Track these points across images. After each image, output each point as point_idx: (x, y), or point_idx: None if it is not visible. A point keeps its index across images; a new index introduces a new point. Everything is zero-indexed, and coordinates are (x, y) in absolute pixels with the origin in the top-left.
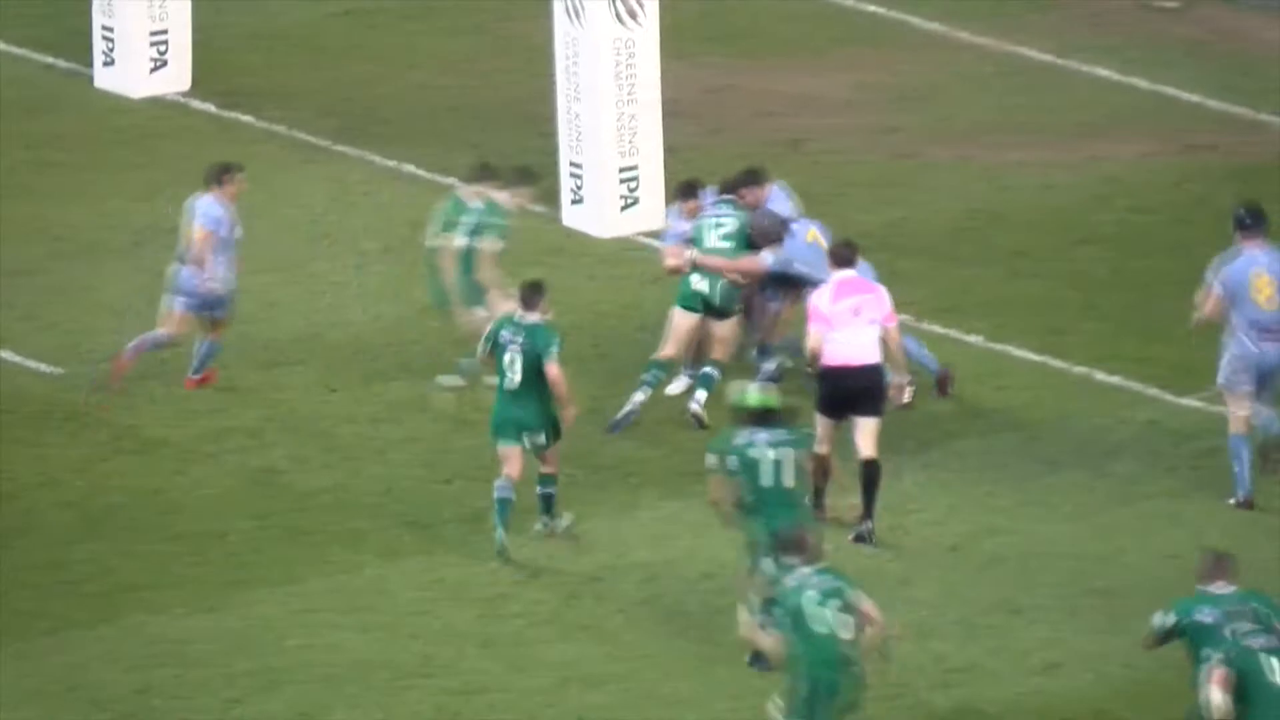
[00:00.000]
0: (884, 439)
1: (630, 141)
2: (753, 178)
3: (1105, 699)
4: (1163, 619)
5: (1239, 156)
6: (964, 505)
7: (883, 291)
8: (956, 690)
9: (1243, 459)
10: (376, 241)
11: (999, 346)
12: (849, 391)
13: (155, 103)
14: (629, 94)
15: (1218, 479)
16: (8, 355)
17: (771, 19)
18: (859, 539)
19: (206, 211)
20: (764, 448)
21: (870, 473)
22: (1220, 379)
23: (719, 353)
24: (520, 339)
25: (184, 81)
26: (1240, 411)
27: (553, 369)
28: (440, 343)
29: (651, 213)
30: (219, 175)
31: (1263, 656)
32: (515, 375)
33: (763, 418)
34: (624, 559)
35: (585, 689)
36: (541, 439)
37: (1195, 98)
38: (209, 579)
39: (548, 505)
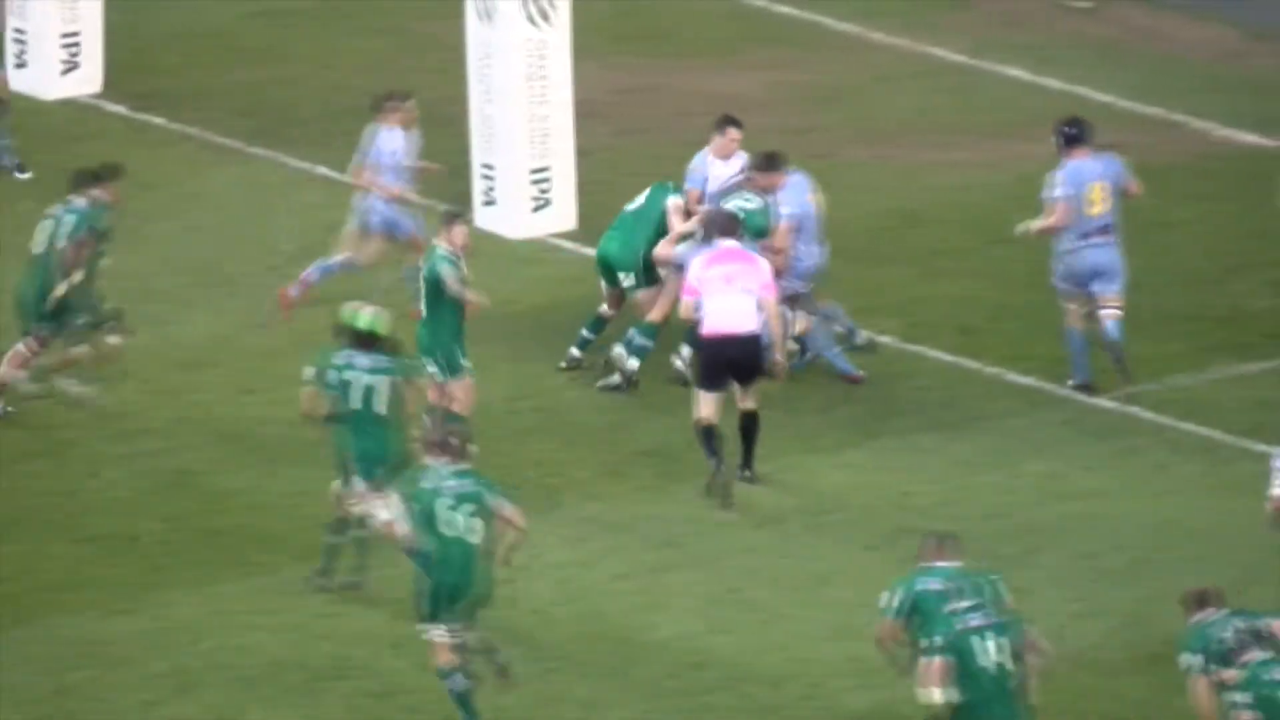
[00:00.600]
0: (801, 440)
1: (542, 143)
2: (769, 163)
3: None
4: (889, 599)
5: (1153, 156)
6: (881, 505)
7: (762, 262)
8: (874, 690)
9: (1077, 346)
10: (292, 243)
11: (914, 347)
12: (727, 360)
13: (68, 105)
14: (541, 95)
15: (1135, 479)
16: None
17: (684, 19)
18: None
19: None
20: (360, 371)
21: (748, 423)
22: (1056, 280)
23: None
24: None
25: (96, 83)
26: (1073, 306)
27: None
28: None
29: (564, 214)
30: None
31: (975, 639)
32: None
33: (366, 341)
34: (539, 560)
35: (500, 690)
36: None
37: (1109, 98)
38: (124, 581)
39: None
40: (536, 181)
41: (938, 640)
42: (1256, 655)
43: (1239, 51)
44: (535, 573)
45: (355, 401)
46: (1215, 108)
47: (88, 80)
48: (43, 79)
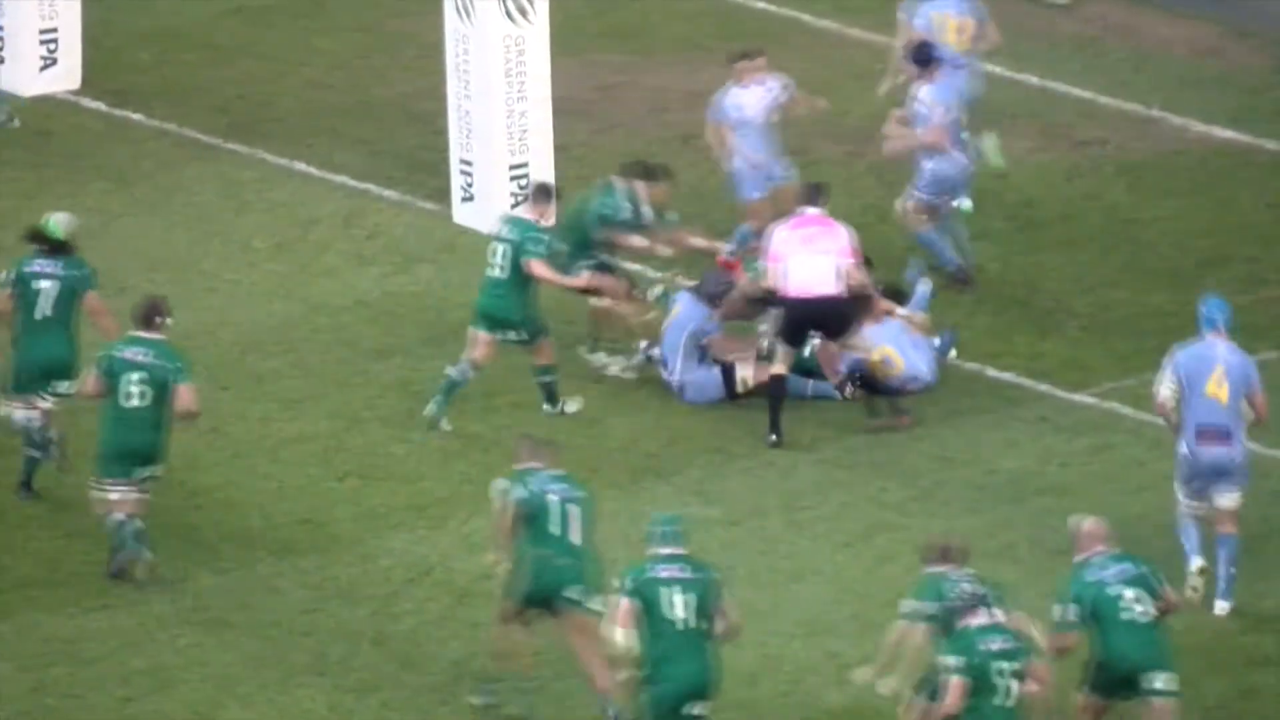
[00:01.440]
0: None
1: (521, 139)
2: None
3: None
4: (619, 585)
5: (1129, 153)
6: (857, 502)
7: (841, 228)
8: (849, 687)
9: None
10: (267, 239)
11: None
12: (810, 320)
13: (46, 101)
14: (519, 91)
15: (1109, 475)
16: None
17: (662, 16)
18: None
19: None
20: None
21: (776, 389)
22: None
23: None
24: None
25: (74, 80)
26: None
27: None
28: (332, 341)
29: None
30: None
31: (663, 589)
32: None
33: (52, 248)
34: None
35: (478, 686)
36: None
37: (1086, 94)
38: (101, 577)
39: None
40: (515, 177)
41: (628, 583)
42: (977, 621)
43: (1216, 47)
44: None
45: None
46: (1192, 103)
47: (65, 77)
48: (21, 75)
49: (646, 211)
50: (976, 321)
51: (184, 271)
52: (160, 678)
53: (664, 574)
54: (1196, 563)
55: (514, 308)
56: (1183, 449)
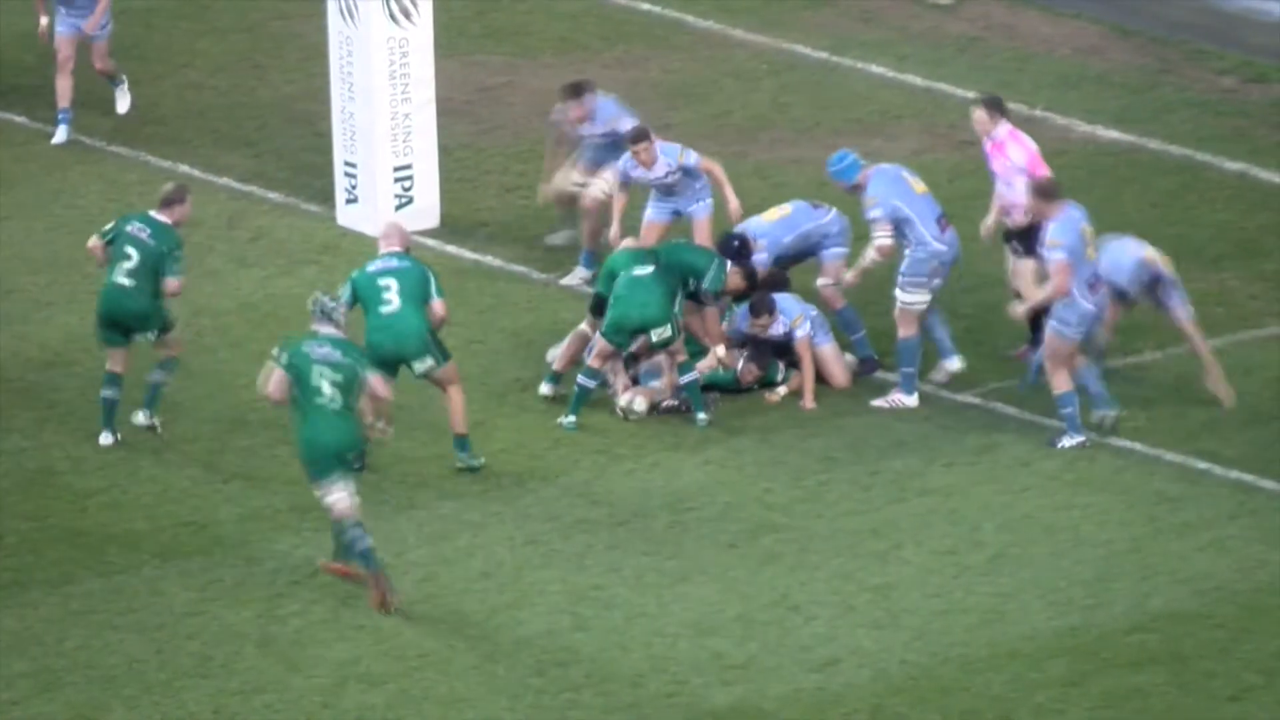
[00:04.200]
0: (663, 438)
1: (405, 141)
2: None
3: (883, 694)
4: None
5: None
6: (742, 502)
7: None
8: (735, 687)
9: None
10: None
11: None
12: None
13: None
14: (403, 93)
15: (995, 475)
16: None
17: (545, 17)
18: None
19: None
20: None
21: None
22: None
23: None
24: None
25: None
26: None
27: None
28: (216, 343)
29: (427, 211)
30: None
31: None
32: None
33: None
34: (401, 558)
35: (364, 689)
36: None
37: (970, 94)
38: None
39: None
40: (399, 179)
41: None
42: (322, 329)
43: (1098, 47)
44: (397, 570)
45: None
46: (1075, 103)
47: None
48: None
49: None
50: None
51: (67, 274)
52: (44, 680)
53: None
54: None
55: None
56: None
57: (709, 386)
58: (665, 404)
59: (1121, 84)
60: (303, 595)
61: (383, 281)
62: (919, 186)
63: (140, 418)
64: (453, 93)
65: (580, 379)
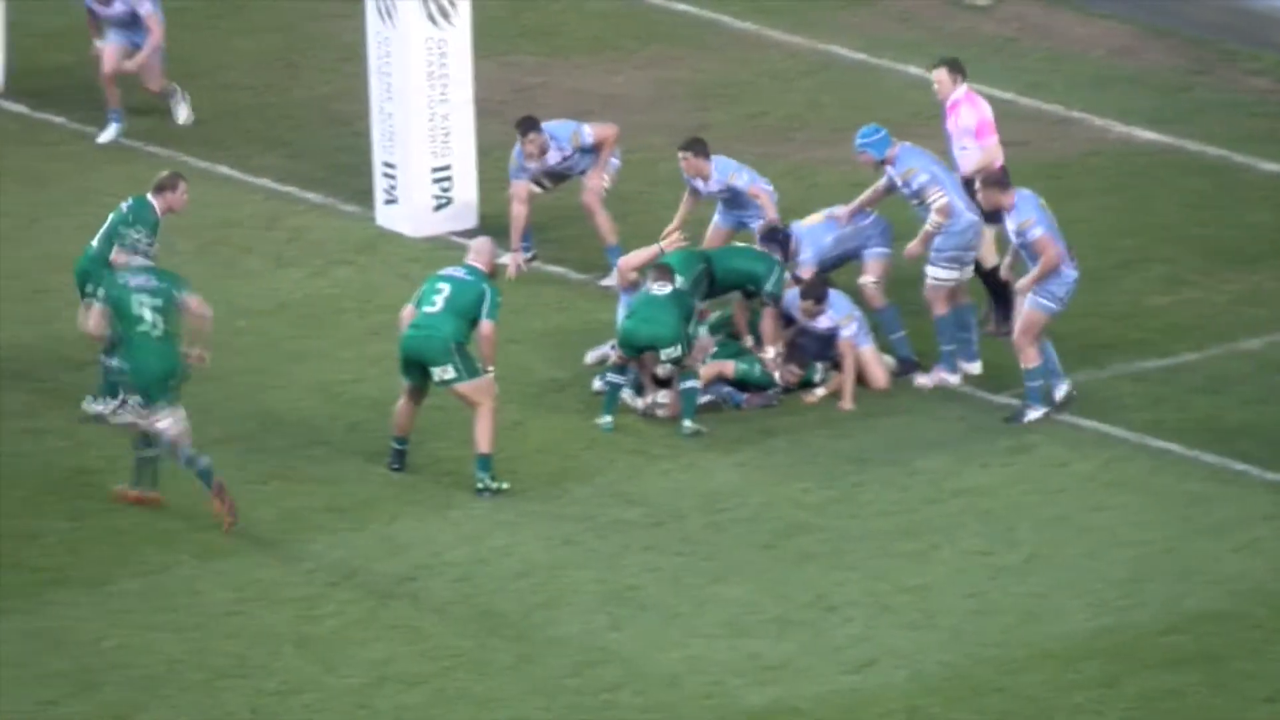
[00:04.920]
0: (697, 439)
1: (443, 141)
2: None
3: (918, 695)
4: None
5: (1049, 153)
6: (777, 503)
7: None
8: (771, 687)
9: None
10: (189, 242)
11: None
12: None
13: None
14: (442, 94)
15: (1029, 475)
16: None
17: (578, 17)
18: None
19: None
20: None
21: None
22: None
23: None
24: None
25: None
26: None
27: None
28: (253, 343)
29: (465, 212)
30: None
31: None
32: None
33: None
34: (438, 559)
35: (400, 689)
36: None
37: (1006, 95)
38: (23, 580)
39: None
40: (438, 180)
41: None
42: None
43: (1132, 48)
44: (434, 571)
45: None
46: (1110, 104)
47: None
48: None
49: None
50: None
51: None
52: (82, 680)
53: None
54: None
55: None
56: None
57: (743, 385)
58: (703, 400)
59: (1155, 85)
60: (339, 595)
61: (439, 285)
62: (940, 161)
63: (90, 405)
64: (489, 93)
65: (609, 377)
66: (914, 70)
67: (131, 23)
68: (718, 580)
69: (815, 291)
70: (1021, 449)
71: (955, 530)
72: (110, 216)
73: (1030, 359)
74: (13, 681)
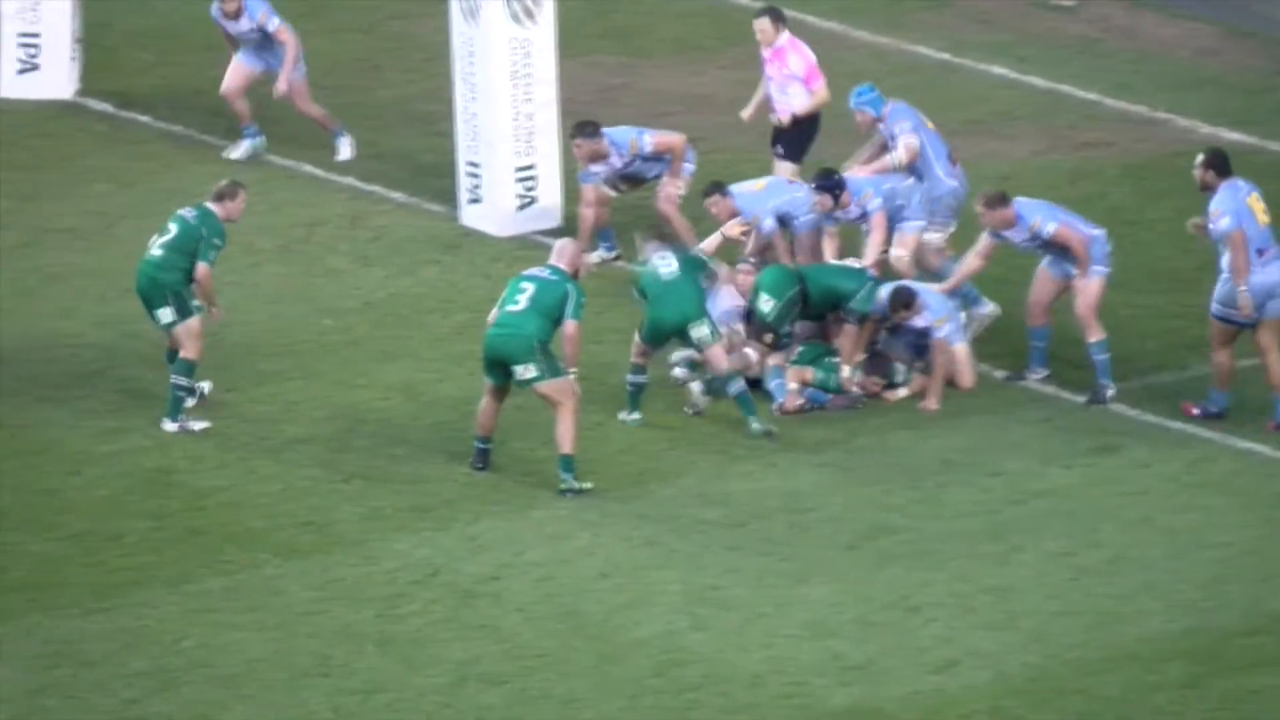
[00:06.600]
0: (781, 439)
1: (527, 141)
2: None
3: (1001, 696)
4: None
5: (1133, 154)
6: (860, 504)
7: None
8: (854, 688)
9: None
10: (272, 241)
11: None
12: None
13: (50, 104)
14: (525, 93)
15: (1113, 477)
16: None
17: (664, 18)
18: None
19: None
20: None
21: None
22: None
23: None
24: None
25: (72, 83)
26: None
27: None
28: (338, 342)
29: (549, 212)
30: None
31: None
32: None
33: None
34: (520, 558)
35: (482, 688)
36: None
37: (1091, 95)
38: (104, 579)
39: None
40: (522, 179)
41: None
42: None
43: (1216, 49)
44: (517, 571)
45: None
46: (1195, 105)
47: (49, 82)
48: (47, 80)
49: None
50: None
51: None
52: (163, 679)
53: None
54: None
55: None
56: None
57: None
58: (795, 405)
59: (1239, 86)
60: (422, 595)
61: (523, 285)
62: (929, 123)
63: (168, 426)
64: (572, 94)
65: (630, 378)
66: (997, 70)
67: (263, 43)
68: (800, 581)
69: (903, 299)
70: (1105, 450)
71: (1038, 531)
72: (173, 227)
73: (1096, 332)
74: (95, 680)
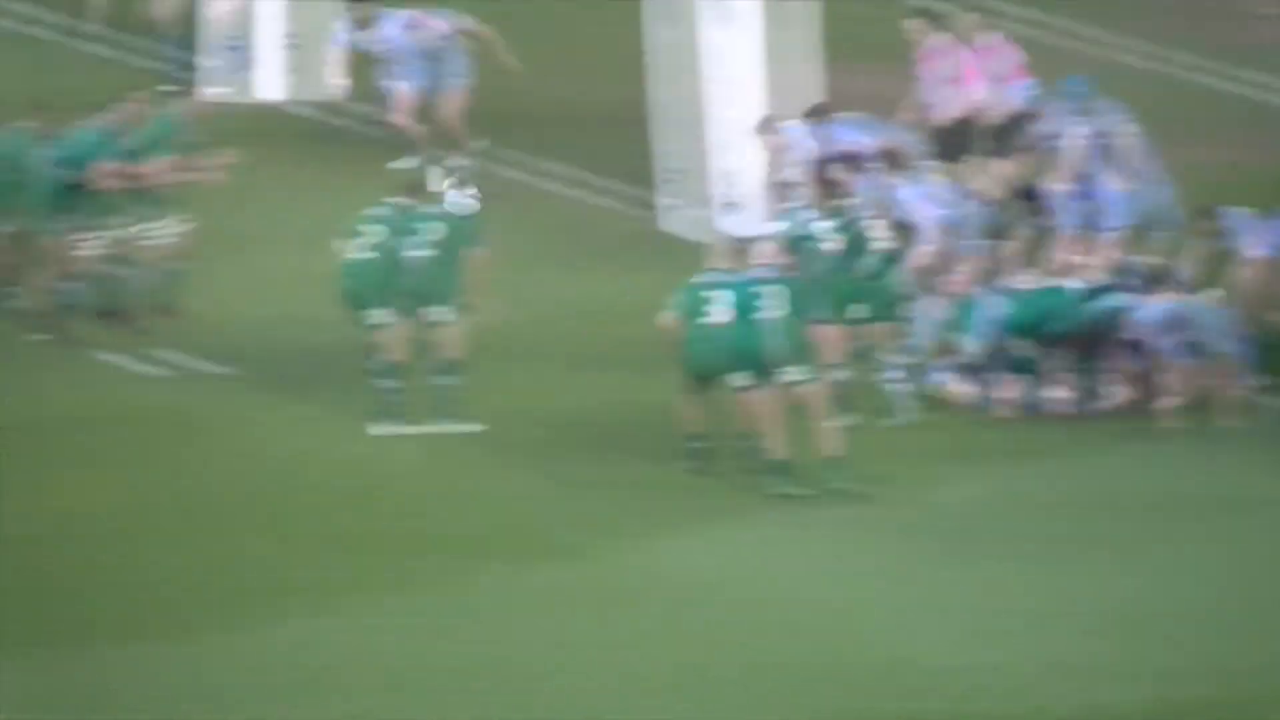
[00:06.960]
0: (1003, 445)
1: (731, 146)
2: None
3: (1225, 706)
4: None
5: None
6: (1083, 508)
7: None
8: (1081, 694)
9: None
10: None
11: None
12: None
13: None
14: (728, 98)
15: None
16: (117, 360)
17: (879, 24)
18: None
19: None
20: None
21: None
22: None
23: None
24: None
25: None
26: None
27: None
28: (552, 350)
29: (750, 216)
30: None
31: None
32: None
33: None
34: (736, 564)
35: (698, 693)
36: None
37: None
38: (327, 583)
39: None
40: (726, 183)
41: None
42: None
43: None
44: (732, 577)
45: None
46: None
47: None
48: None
49: None
50: None
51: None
52: (379, 684)
53: None
54: None
55: None
56: None
57: None
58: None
59: None
60: (637, 600)
61: (761, 289)
62: None
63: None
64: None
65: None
66: (1200, 80)
67: (435, 52)
68: (1023, 586)
69: None
70: None
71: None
72: (382, 230)
73: None
74: (327, 685)
